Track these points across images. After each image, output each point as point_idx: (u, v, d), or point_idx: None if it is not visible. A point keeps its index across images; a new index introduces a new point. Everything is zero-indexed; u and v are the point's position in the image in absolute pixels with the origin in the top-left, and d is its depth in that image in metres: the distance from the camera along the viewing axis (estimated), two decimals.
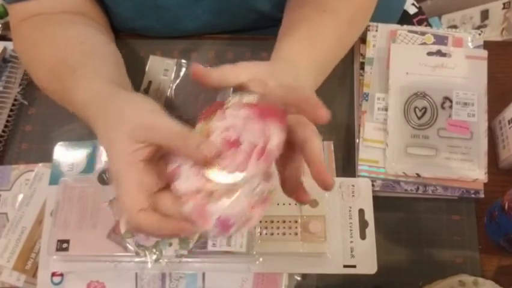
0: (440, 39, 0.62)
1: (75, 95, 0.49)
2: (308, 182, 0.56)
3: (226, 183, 0.37)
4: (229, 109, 0.40)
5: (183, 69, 0.64)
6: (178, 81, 0.64)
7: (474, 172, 0.56)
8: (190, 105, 0.62)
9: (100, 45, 0.57)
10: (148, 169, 0.39)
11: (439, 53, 0.61)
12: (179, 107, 0.63)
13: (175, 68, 0.64)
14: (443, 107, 0.58)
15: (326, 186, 0.38)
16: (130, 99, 0.44)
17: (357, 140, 0.59)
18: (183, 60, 0.65)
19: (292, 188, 0.40)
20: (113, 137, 0.40)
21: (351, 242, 0.53)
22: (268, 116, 0.39)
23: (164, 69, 0.64)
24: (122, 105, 0.43)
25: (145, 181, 0.39)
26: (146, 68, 0.64)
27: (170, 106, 0.62)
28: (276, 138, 0.38)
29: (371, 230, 0.54)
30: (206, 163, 0.37)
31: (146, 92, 0.63)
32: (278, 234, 0.53)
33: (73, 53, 0.53)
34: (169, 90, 0.63)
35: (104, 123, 0.43)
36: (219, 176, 0.37)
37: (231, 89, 0.44)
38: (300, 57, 0.49)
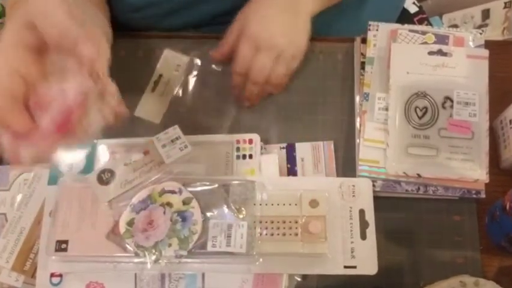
0: (441, 39, 0.62)
1: None
2: (309, 182, 0.56)
3: None
4: None
5: (195, 68, 0.64)
6: (188, 78, 0.64)
7: (475, 172, 0.56)
8: (197, 104, 0.62)
9: None
10: (31, 57, 0.41)
11: (440, 53, 0.60)
12: (185, 104, 0.63)
13: (187, 65, 0.64)
14: (444, 107, 0.58)
15: None
16: None
17: (358, 140, 0.58)
18: (198, 60, 0.64)
19: None
20: (11, 21, 0.41)
21: (352, 242, 0.53)
22: None
23: (176, 64, 0.64)
24: None
25: (20, 65, 0.40)
26: (159, 61, 0.64)
27: (177, 102, 0.62)
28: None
29: (371, 231, 0.54)
30: None
31: (155, 84, 0.63)
32: (278, 234, 0.52)
33: None
34: (178, 86, 0.63)
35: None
36: None
37: None
38: None
